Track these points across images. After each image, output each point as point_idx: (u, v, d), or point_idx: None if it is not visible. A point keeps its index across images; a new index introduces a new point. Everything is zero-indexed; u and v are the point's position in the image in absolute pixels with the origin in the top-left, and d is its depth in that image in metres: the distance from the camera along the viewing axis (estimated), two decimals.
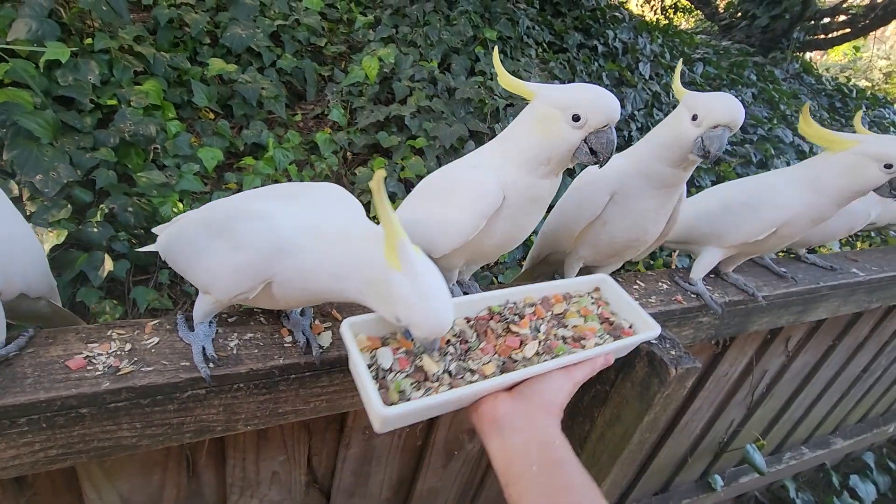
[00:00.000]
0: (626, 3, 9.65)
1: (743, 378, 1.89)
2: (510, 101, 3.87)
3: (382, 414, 0.65)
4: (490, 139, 1.08)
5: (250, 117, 3.11)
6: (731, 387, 1.92)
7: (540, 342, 0.84)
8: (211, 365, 0.80)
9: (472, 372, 0.77)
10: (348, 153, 3.30)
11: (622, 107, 4.84)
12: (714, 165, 4.63)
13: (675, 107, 1.08)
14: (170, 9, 3.17)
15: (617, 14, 6.20)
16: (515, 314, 0.88)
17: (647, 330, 0.89)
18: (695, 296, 1.35)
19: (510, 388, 0.79)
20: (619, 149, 1.09)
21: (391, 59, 3.58)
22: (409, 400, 0.70)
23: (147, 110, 2.72)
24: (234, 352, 0.84)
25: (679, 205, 1.18)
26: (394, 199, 3.04)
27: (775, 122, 5.91)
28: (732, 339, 1.68)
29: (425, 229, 1.02)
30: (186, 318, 0.87)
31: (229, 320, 0.91)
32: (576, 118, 0.86)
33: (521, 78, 4.22)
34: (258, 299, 0.79)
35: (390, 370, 0.74)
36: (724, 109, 0.97)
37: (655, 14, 9.05)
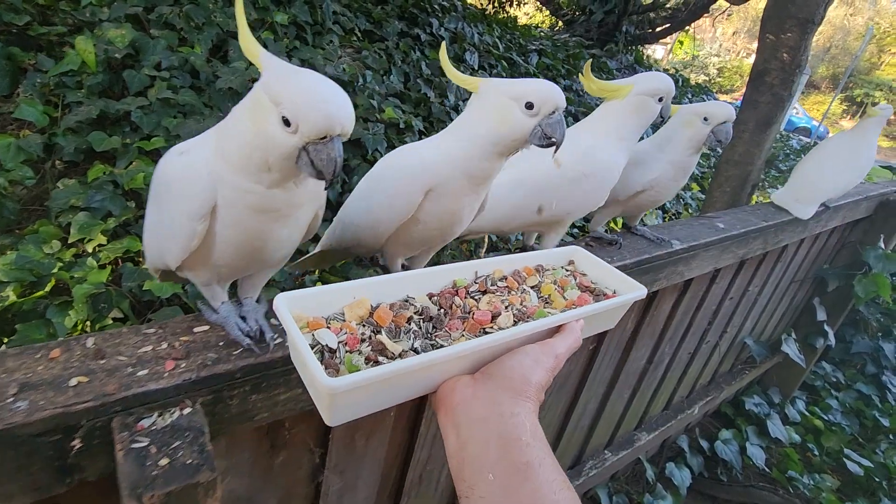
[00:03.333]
0: None
1: None
2: None
3: (329, 385, 0.52)
4: None
5: None
6: None
7: (517, 309, 0.74)
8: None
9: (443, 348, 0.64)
10: (57, 162, 2.53)
11: (446, 98, 4.55)
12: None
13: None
14: None
15: (446, 3, 5.98)
16: (484, 289, 0.80)
17: (633, 291, 0.84)
18: None
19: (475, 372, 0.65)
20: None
21: (124, 42, 2.86)
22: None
23: None
24: None
25: (489, 190, 1.09)
26: (111, 215, 2.35)
27: None
28: None
29: (150, 237, 0.90)
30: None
31: None
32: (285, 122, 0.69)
33: (316, 68, 3.63)
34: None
35: (337, 351, 0.61)
36: (557, 93, 0.93)
37: (493, 6, 9.12)
